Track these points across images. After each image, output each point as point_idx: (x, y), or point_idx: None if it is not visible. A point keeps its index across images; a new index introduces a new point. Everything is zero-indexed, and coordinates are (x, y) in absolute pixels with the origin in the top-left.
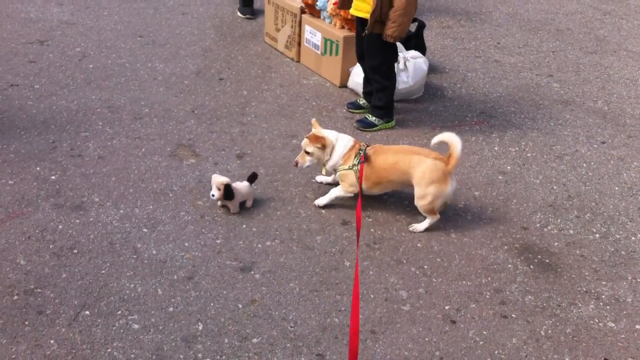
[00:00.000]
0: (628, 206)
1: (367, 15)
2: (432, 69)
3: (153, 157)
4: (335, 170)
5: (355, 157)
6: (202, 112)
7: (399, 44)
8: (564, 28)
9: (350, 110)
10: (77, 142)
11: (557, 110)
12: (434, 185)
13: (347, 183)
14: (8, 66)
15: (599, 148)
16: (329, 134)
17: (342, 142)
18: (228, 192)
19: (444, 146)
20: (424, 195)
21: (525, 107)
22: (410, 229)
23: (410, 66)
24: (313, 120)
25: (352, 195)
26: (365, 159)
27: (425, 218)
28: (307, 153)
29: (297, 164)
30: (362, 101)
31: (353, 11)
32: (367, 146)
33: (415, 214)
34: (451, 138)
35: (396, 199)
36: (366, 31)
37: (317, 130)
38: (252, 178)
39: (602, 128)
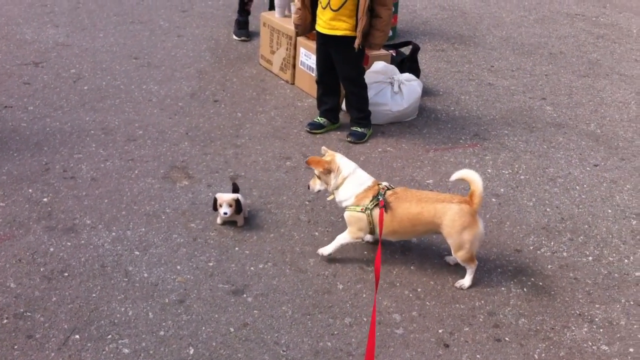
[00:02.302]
0: (621, 229)
1: (346, 33)
2: (426, 92)
3: (146, 179)
4: (344, 208)
5: (372, 199)
6: (196, 134)
7: (394, 67)
8: (556, 52)
9: (311, 131)
10: (70, 164)
11: (550, 133)
12: (466, 231)
13: (356, 228)
14: (2, 87)
15: (591, 171)
16: (345, 165)
17: (358, 180)
18: (239, 206)
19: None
20: (460, 244)
21: (519, 129)
22: (457, 285)
23: (405, 89)
24: (323, 148)
25: (360, 241)
26: (385, 205)
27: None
28: (318, 177)
29: (309, 187)
30: (321, 120)
31: (328, 31)
32: (388, 189)
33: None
34: (471, 176)
35: None
36: (359, 47)
37: (328, 154)
38: (236, 188)
39: (594, 151)
